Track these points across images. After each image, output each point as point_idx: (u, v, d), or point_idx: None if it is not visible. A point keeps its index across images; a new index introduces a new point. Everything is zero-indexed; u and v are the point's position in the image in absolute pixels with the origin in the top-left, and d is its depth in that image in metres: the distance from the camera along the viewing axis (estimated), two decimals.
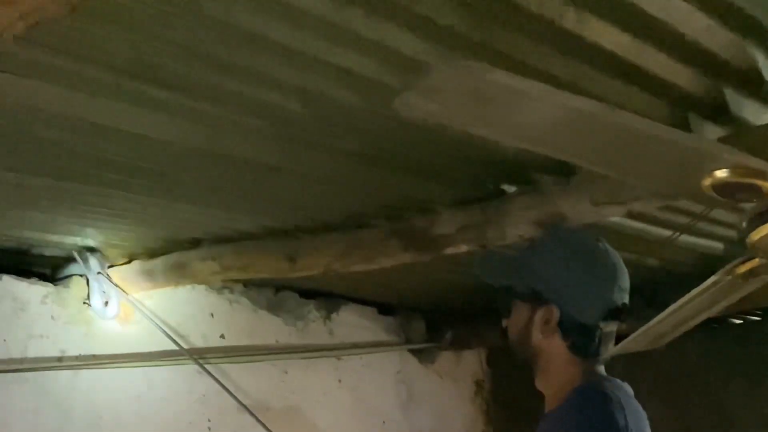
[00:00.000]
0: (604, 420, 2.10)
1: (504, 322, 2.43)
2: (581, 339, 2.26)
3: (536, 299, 2.31)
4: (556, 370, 2.29)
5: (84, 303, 4.40)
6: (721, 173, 1.80)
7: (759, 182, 1.80)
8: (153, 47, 2.24)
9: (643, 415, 2.21)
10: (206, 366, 4.81)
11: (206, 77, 2.42)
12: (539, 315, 2.30)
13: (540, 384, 2.36)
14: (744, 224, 2.19)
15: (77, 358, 4.37)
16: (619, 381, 2.26)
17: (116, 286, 4.42)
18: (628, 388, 2.26)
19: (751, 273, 2.62)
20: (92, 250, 4.34)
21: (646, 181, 2.31)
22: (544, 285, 2.30)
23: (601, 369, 2.30)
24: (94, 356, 4.44)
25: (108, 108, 2.59)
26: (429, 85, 1.59)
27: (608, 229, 3.72)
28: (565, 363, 2.27)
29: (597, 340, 2.27)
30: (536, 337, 2.30)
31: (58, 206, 3.54)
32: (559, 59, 2.40)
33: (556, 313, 2.26)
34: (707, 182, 1.83)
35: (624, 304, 2.29)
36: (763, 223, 2.14)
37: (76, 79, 2.40)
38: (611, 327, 2.29)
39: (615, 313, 2.27)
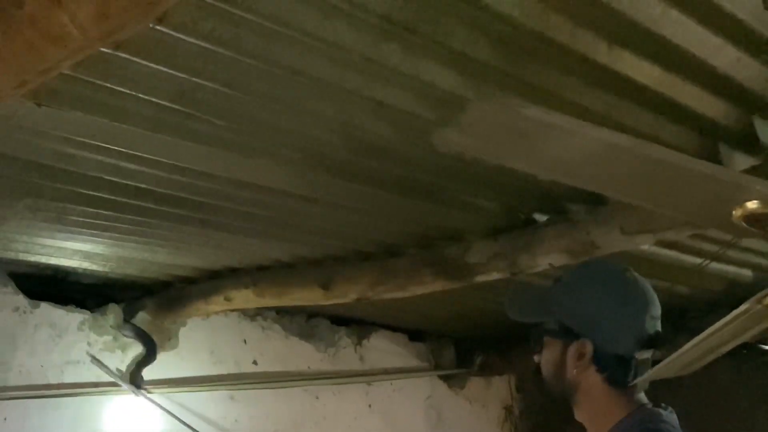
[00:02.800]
0: None
1: (536, 359, 2.38)
2: (617, 370, 2.22)
3: (568, 334, 2.27)
4: (595, 404, 2.25)
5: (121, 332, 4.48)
6: (752, 204, 1.82)
7: None
8: (195, 82, 2.30)
9: None
10: (239, 392, 4.85)
11: (246, 111, 2.48)
12: (572, 350, 2.25)
13: (580, 417, 2.32)
14: None
15: (112, 383, 4.42)
16: (662, 411, 2.22)
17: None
18: (673, 417, 2.22)
19: None
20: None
21: (679, 213, 2.32)
22: (574, 320, 2.26)
23: (642, 397, 2.25)
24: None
25: (149, 140, 2.65)
26: (466, 120, 1.63)
27: (638, 256, 3.74)
28: (604, 395, 2.23)
29: (633, 369, 2.22)
30: (570, 372, 2.26)
31: (98, 236, 3.60)
32: (592, 92, 2.44)
33: (589, 347, 2.22)
34: (738, 213, 1.85)
35: (657, 332, 2.26)
36: None
37: (119, 112, 2.46)
38: (645, 355, 2.26)
39: (648, 341, 2.24)
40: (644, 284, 2.28)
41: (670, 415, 2.20)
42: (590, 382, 2.24)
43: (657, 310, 2.26)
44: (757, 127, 2.67)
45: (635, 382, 2.25)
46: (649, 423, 2.17)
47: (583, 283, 2.32)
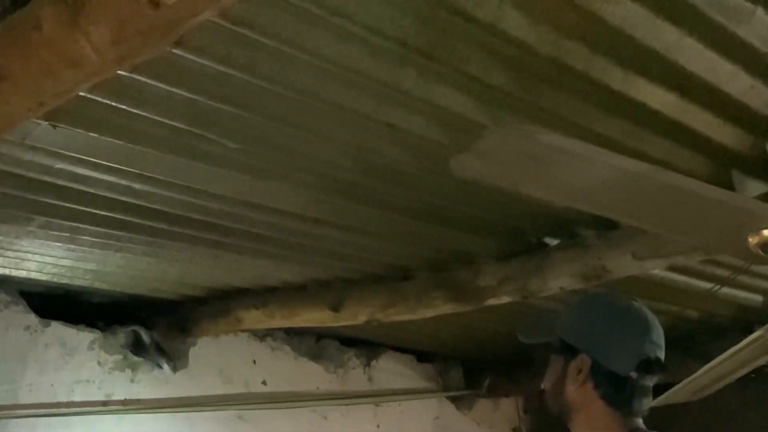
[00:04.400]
0: None
1: (542, 385, 2.43)
2: (613, 389, 2.24)
3: (569, 351, 2.31)
4: (591, 423, 2.27)
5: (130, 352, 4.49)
6: None
7: None
8: (210, 105, 2.31)
9: None
10: (248, 411, 4.85)
11: (260, 133, 2.49)
12: (572, 366, 2.29)
13: None
14: None
15: (122, 402, 4.43)
16: None
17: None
18: None
19: None
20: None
21: (694, 239, 2.33)
22: (575, 336, 2.31)
23: (639, 422, 2.27)
24: (138, 401, 4.50)
25: (163, 162, 2.66)
26: (484, 147, 1.64)
27: (648, 281, 3.74)
28: (601, 415, 2.25)
29: (630, 391, 2.24)
30: (569, 388, 2.29)
31: (110, 256, 3.61)
32: (606, 118, 2.44)
33: (587, 362, 2.26)
34: (754, 240, 1.86)
35: (657, 357, 2.26)
36: None
37: (133, 134, 2.47)
38: (646, 381, 2.27)
39: (648, 365, 2.25)
40: (648, 312, 2.32)
41: None
42: (588, 399, 2.27)
43: (659, 337, 2.29)
44: None
45: (640, 409, 2.26)
46: None
47: (587, 305, 2.41)
